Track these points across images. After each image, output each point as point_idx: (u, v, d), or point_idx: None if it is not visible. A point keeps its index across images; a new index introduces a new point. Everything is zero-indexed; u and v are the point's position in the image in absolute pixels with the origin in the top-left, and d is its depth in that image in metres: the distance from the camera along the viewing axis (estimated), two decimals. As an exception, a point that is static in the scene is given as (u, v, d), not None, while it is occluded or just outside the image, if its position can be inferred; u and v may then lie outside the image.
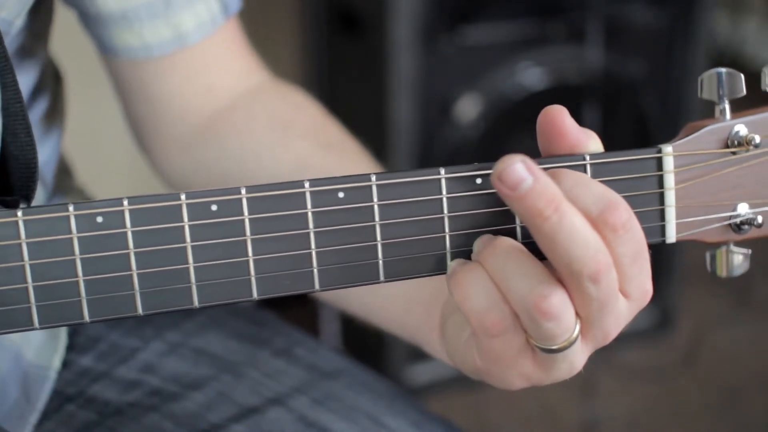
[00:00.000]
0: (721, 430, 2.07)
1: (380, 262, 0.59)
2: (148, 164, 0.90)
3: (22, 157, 0.63)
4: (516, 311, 0.57)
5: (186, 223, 0.57)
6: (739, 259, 0.64)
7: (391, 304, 0.75)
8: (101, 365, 0.83)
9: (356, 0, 1.92)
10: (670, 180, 0.61)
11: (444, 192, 0.59)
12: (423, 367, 2.02)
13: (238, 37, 0.85)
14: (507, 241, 0.58)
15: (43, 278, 0.56)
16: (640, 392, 2.12)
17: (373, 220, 0.58)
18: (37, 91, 0.80)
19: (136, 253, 0.57)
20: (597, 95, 1.92)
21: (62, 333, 0.83)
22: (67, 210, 0.55)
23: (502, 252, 0.57)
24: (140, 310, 0.57)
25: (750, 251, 0.64)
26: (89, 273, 0.56)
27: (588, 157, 0.59)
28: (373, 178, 0.58)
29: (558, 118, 0.58)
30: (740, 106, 0.62)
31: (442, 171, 0.58)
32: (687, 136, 0.61)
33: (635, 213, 0.57)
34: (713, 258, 0.64)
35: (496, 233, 0.59)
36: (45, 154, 0.82)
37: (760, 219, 0.63)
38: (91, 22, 0.81)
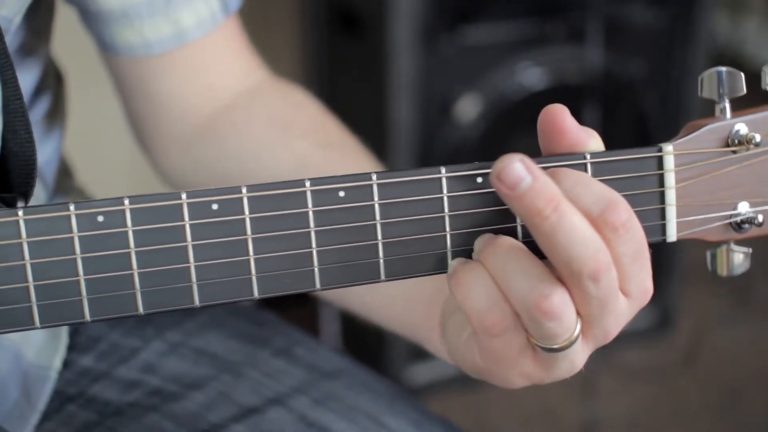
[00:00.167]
0: (721, 430, 2.07)
1: (381, 261, 0.59)
2: (149, 164, 0.90)
3: (22, 154, 0.63)
4: (517, 311, 0.57)
5: (187, 222, 0.57)
6: (739, 258, 0.64)
7: (391, 303, 0.75)
8: (102, 365, 0.83)
9: (356, 0, 1.92)
10: (670, 179, 0.61)
11: (445, 191, 0.59)
12: (423, 367, 2.02)
13: (238, 35, 0.85)
14: (508, 240, 0.58)
15: (43, 277, 0.56)
16: (640, 392, 2.12)
17: (374, 219, 0.58)
18: (39, 91, 0.80)
19: (136, 252, 0.57)
20: (597, 95, 1.92)
21: (63, 333, 0.83)
22: (68, 209, 0.55)
23: (502, 251, 0.57)
24: (141, 310, 0.57)
25: (750, 250, 0.64)
26: (90, 272, 0.56)
27: (588, 156, 0.59)
28: (374, 177, 0.58)
29: (559, 117, 0.58)
30: (740, 106, 0.62)
31: (443, 170, 0.58)
32: (687, 135, 0.61)
33: (636, 212, 0.57)
34: (714, 257, 0.64)
35: (496, 232, 0.59)
36: (46, 154, 0.82)
37: (760, 218, 0.63)
38: (91, 20, 0.81)
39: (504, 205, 0.57)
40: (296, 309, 1.03)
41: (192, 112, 0.84)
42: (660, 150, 0.60)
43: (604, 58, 1.93)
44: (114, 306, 0.57)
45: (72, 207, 0.55)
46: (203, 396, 0.80)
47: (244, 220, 0.57)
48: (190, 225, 0.57)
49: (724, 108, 0.61)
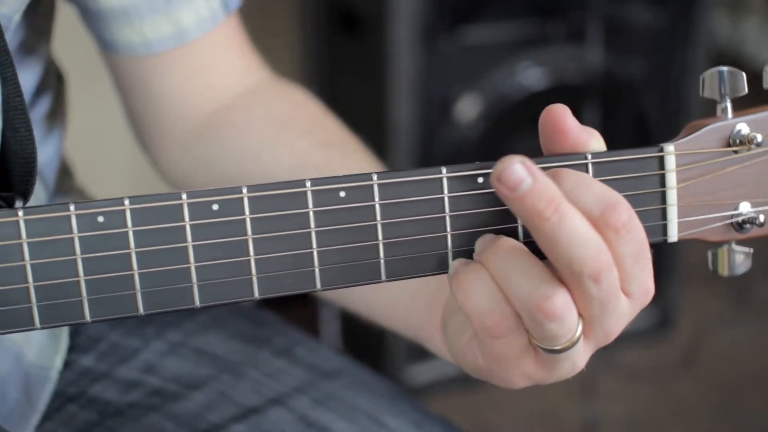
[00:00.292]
0: (721, 430, 2.07)
1: (381, 261, 0.59)
2: (149, 164, 0.90)
3: (22, 152, 0.62)
4: (518, 312, 0.57)
5: (187, 223, 0.57)
6: (740, 258, 0.64)
7: (393, 303, 0.75)
8: (102, 365, 0.83)
9: (356, 0, 1.92)
10: (671, 179, 0.60)
11: (445, 191, 0.58)
12: (423, 367, 2.02)
13: (238, 35, 0.85)
14: (509, 241, 0.58)
15: (44, 278, 0.56)
16: (640, 392, 2.12)
17: (375, 220, 0.58)
18: (40, 90, 0.80)
19: (137, 253, 0.57)
20: (597, 95, 1.92)
21: (63, 333, 0.83)
22: (68, 209, 0.55)
23: (503, 253, 0.57)
24: (141, 310, 0.57)
25: (752, 250, 0.64)
26: (90, 273, 0.56)
27: (590, 156, 0.59)
28: (375, 177, 0.58)
29: (560, 117, 0.58)
30: (740, 106, 0.62)
31: (444, 170, 0.58)
32: (688, 135, 0.61)
33: (637, 212, 0.57)
34: (715, 257, 0.64)
35: (497, 232, 0.59)
36: (47, 154, 0.82)
37: (761, 218, 0.63)
38: (91, 19, 0.81)
39: (505, 205, 0.57)
40: (296, 309, 1.03)
41: (192, 111, 0.84)
42: (661, 150, 0.60)
43: (604, 58, 1.93)
44: (114, 306, 0.57)
45: (72, 207, 0.55)
46: (203, 396, 0.80)
47: (244, 220, 0.57)
48: (191, 225, 0.57)
49: (726, 108, 0.61)
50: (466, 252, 0.59)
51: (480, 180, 0.58)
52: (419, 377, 2.03)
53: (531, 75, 1.91)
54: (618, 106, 1.98)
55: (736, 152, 0.61)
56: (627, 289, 0.57)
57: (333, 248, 0.58)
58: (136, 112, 0.86)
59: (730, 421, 2.08)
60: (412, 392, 1.95)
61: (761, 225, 0.63)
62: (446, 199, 0.59)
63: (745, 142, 0.61)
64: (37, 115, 0.80)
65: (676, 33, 2.01)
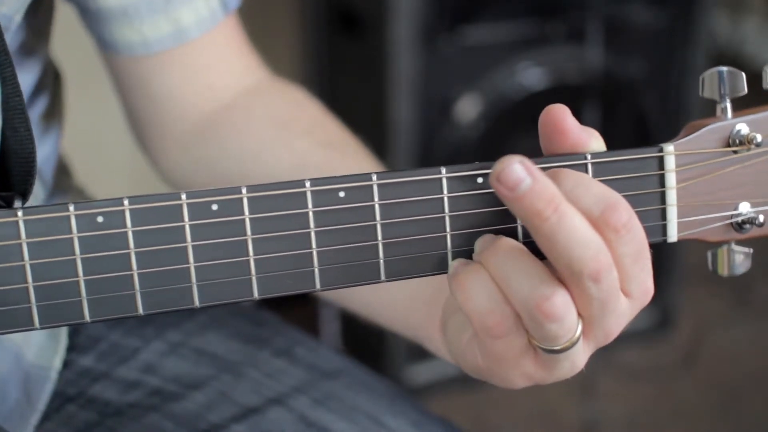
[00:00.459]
0: (721, 430, 2.07)
1: (381, 261, 0.59)
2: (149, 164, 0.90)
3: (21, 152, 0.62)
4: (518, 312, 0.57)
5: (186, 223, 0.57)
6: (740, 258, 0.64)
7: (393, 303, 0.75)
8: (102, 365, 0.83)
9: (356, 0, 1.91)
10: (671, 179, 0.60)
11: (445, 191, 0.58)
12: (423, 367, 2.02)
13: (237, 35, 0.85)
14: (508, 242, 0.58)
15: (43, 278, 0.56)
16: (640, 392, 2.12)
17: (374, 220, 0.58)
18: (37, 90, 0.80)
19: (136, 253, 0.56)
20: (597, 95, 1.92)
21: (63, 333, 0.83)
22: (68, 210, 0.55)
23: (503, 253, 0.57)
24: (141, 310, 0.57)
25: (751, 250, 0.64)
26: (90, 273, 0.56)
27: (589, 156, 0.59)
28: (374, 177, 0.58)
29: (560, 117, 0.58)
30: (739, 106, 0.62)
31: (443, 170, 0.58)
32: (688, 135, 0.61)
33: (636, 212, 0.57)
34: (714, 257, 0.64)
35: (497, 232, 0.59)
36: (44, 153, 0.82)
37: (761, 218, 0.62)
38: (91, 18, 0.81)
39: (505, 205, 0.57)
40: (296, 309, 1.03)
41: (192, 111, 0.84)
42: (661, 150, 0.60)
43: (604, 58, 1.93)
44: (114, 307, 0.57)
45: (71, 207, 0.55)
46: (203, 396, 0.80)
47: (244, 220, 0.57)
48: (190, 225, 0.57)
49: (725, 108, 0.61)
50: (465, 252, 0.59)
51: (479, 180, 0.58)
52: (419, 377, 2.03)
53: (531, 75, 1.91)
54: (618, 106, 1.98)
55: (735, 152, 0.61)
56: (627, 289, 0.57)
57: (332, 248, 0.58)
58: (135, 112, 0.86)
59: (730, 421, 2.08)
60: (412, 392, 1.95)
61: (761, 225, 0.63)
62: (446, 199, 0.59)
63: (745, 142, 0.61)
64: (35, 113, 0.80)
65: (676, 33, 2.01)
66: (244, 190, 0.57)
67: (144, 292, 0.57)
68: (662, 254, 2.06)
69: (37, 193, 0.80)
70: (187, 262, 0.57)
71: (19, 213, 0.55)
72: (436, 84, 1.84)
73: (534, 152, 0.59)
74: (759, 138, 0.61)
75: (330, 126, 0.84)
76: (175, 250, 0.57)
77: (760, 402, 2.11)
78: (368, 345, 1.93)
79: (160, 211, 0.56)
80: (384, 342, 1.98)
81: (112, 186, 1.90)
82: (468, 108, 1.89)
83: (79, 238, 0.56)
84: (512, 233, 0.59)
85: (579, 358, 0.59)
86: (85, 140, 1.79)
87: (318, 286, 0.59)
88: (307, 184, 0.57)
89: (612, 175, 0.59)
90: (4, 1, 0.69)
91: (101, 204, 0.56)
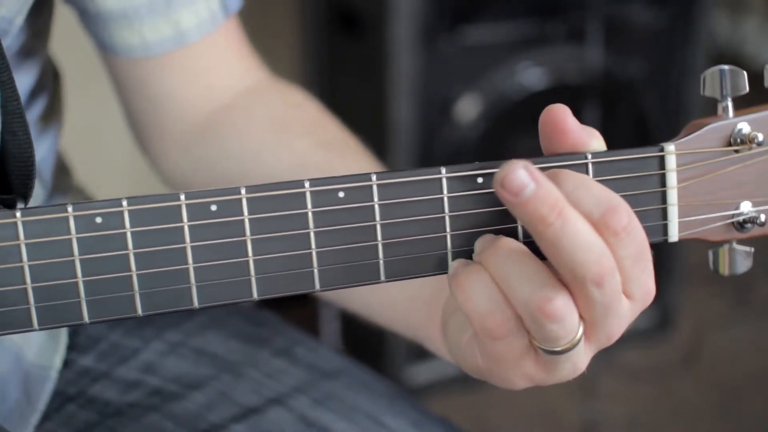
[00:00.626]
0: (721, 430, 2.07)
1: (381, 261, 0.59)
2: (148, 164, 0.90)
3: (20, 155, 0.62)
4: (519, 313, 0.57)
5: (185, 224, 0.56)
6: (741, 258, 0.63)
7: (393, 303, 0.75)
8: (102, 365, 0.83)
9: (356, 0, 1.91)
10: (672, 178, 0.60)
11: (445, 191, 0.58)
12: (423, 367, 2.02)
13: (237, 36, 0.85)
14: (509, 242, 0.57)
15: (42, 279, 0.56)
16: (640, 392, 2.12)
17: (374, 220, 0.58)
18: (36, 91, 0.80)
19: (135, 254, 0.56)
20: (597, 95, 1.92)
21: (63, 333, 0.83)
22: (66, 211, 0.55)
23: (503, 253, 0.57)
24: (140, 311, 0.57)
25: (752, 249, 0.64)
26: (88, 274, 0.56)
27: (590, 156, 0.59)
28: (374, 177, 0.58)
29: (560, 116, 0.58)
30: (739, 106, 0.62)
31: (443, 170, 0.58)
32: (689, 134, 0.61)
33: (637, 212, 0.57)
34: (716, 256, 0.64)
35: (497, 233, 0.59)
36: (42, 152, 0.81)
37: (762, 217, 0.62)
38: (91, 21, 0.80)
39: (504, 205, 0.57)
40: (296, 309, 1.03)
41: (191, 112, 0.84)
42: (662, 150, 0.60)
43: (604, 58, 1.93)
44: (113, 308, 0.57)
45: (70, 208, 0.55)
46: (203, 396, 0.80)
47: (243, 221, 0.57)
48: (189, 226, 0.56)
49: (727, 107, 0.61)
50: (465, 252, 0.59)
51: (480, 180, 0.58)
52: (419, 377, 2.03)
53: (531, 75, 1.91)
54: (618, 106, 1.98)
55: (737, 151, 0.61)
56: (628, 291, 0.57)
57: (332, 249, 0.58)
58: (135, 113, 0.86)
59: (730, 421, 2.07)
60: (412, 392, 1.95)
61: (762, 224, 0.62)
62: (446, 199, 0.58)
63: (746, 141, 0.61)
64: (34, 114, 0.80)
65: (676, 33, 2.01)
66: (243, 191, 0.57)
67: (143, 293, 0.57)
68: (662, 254, 2.06)
69: (37, 193, 0.80)
70: (186, 263, 0.57)
71: (18, 214, 0.55)
72: (436, 84, 1.84)
73: (534, 152, 0.59)
74: (760, 137, 0.61)
75: (330, 126, 0.84)
76: (174, 250, 0.57)
77: (760, 402, 2.11)
78: (368, 345, 1.93)
79: (158, 211, 0.56)
80: (384, 342, 1.98)
81: (112, 186, 1.90)
82: (468, 108, 1.89)
83: (77, 239, 0.56)
84: (512, 233, 0.59)
85: (580, 359, 0.59)
86: (85, 140, 1.79)
87: (318, 286, 0.59)
88: (307, 184, 0.57)
89: (612, 174, 0.59)
90: (2, 3, 0.69)
91: (100, 205, 0.56)
